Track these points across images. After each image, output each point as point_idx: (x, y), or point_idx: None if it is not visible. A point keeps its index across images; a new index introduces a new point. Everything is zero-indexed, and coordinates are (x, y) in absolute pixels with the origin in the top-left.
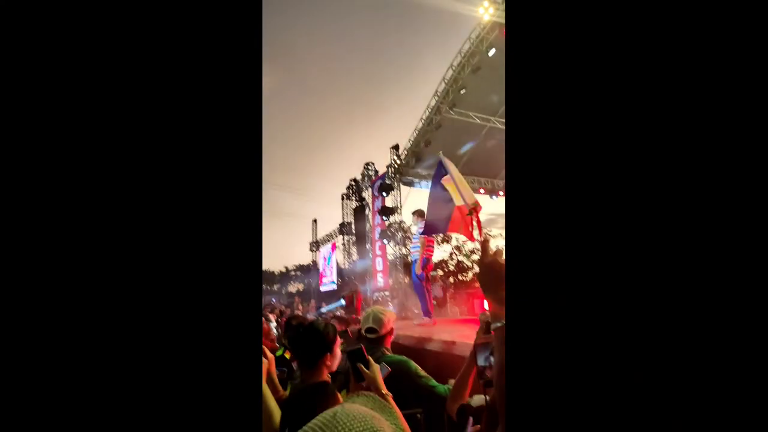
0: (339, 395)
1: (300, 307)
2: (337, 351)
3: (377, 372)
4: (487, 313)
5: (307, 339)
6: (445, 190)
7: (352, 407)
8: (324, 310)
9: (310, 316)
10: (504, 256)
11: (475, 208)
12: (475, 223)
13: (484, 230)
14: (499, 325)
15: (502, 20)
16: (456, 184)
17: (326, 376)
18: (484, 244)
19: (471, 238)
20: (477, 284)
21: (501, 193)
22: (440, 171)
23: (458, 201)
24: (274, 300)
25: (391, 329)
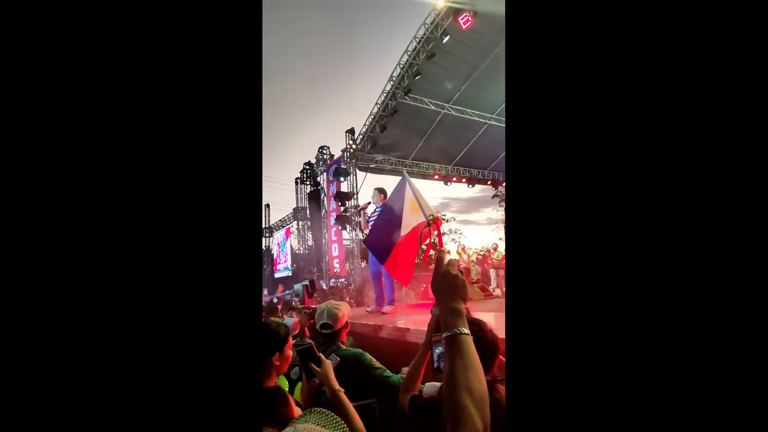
0: (291, 400)
1: None
2: (288, 352)
3: (329, 369)
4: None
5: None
6: (398, 216)
7: (304, 427)
8: (276, 297)
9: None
10: (455, 268)
11: (435, 221)
12: (435, 235)
13: (439, 214)
14: (449, 334)
15: (456, 6)
16: (418, 200)
17: (275, 379)
18: (440, 255)
19: (426, 253)
20: (431, 267)
21: (454, 179)
22: (402, 186)
23: (418, 218)
24: None
25: (346, 323)
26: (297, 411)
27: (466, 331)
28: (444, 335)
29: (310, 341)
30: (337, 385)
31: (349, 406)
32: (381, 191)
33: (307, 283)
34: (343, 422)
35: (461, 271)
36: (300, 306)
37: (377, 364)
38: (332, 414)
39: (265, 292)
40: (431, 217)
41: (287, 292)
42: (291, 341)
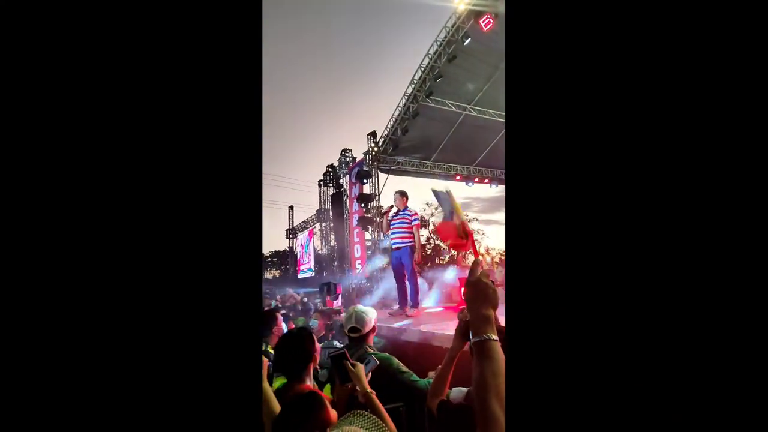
0: (329, 406)
1: (278, 297)
2: (318, 346)
3: (361, 372)
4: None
5: (288, 351)
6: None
7: (350, 429)
8: (302, 291)
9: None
10: (487, 277)
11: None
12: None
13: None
14: (478, 340)
15: (477, 9)
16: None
17: (312, 378)
18: (473, 265)
19: (474, 251)
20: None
21: (476, 179)
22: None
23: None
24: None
25: (374, 327)
26: (333, 413)
27: (495, 337)
28: (473, 341)
29: (343, 346)
30: (369, 388)
31: (382, 408)
32: (402, 194)
33: (328, 285)
34: (384, 425)
35: (493, 281)
36: (324, 308)
37: (404, 368)
38: (375, 417)
39: (290, 292)
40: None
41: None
42: (318, 344)
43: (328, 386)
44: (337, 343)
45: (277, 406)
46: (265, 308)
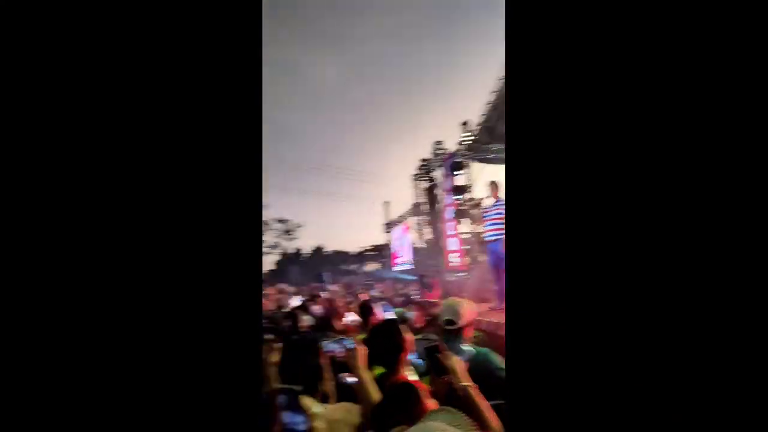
0: (424, 397)
1: (377, 287)
2: (410, 337)
3: (456, 364)
4: None
5: (378, 342)
6: None
7: (434, 425)
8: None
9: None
10: None
11: None
12: None
13: None
14: None
15: None
16: None
17: (407, 366)
18: None
19: None
20: None
21: None
22: None
23: None
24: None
25: (471, 321)
26: (431, 403)
27: None
28: None
29: (437, 339)
30: (467, 381)
31: (481, 402)
32: (495, 184)
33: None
34: (471, 422)
35: None
36: (421, 301)
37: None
38: (461, 414)
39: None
40: None
41: (408, 276)
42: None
43: (425, 379)
44: (434, 336)
45: (376, 394)
46: (364, 299)
